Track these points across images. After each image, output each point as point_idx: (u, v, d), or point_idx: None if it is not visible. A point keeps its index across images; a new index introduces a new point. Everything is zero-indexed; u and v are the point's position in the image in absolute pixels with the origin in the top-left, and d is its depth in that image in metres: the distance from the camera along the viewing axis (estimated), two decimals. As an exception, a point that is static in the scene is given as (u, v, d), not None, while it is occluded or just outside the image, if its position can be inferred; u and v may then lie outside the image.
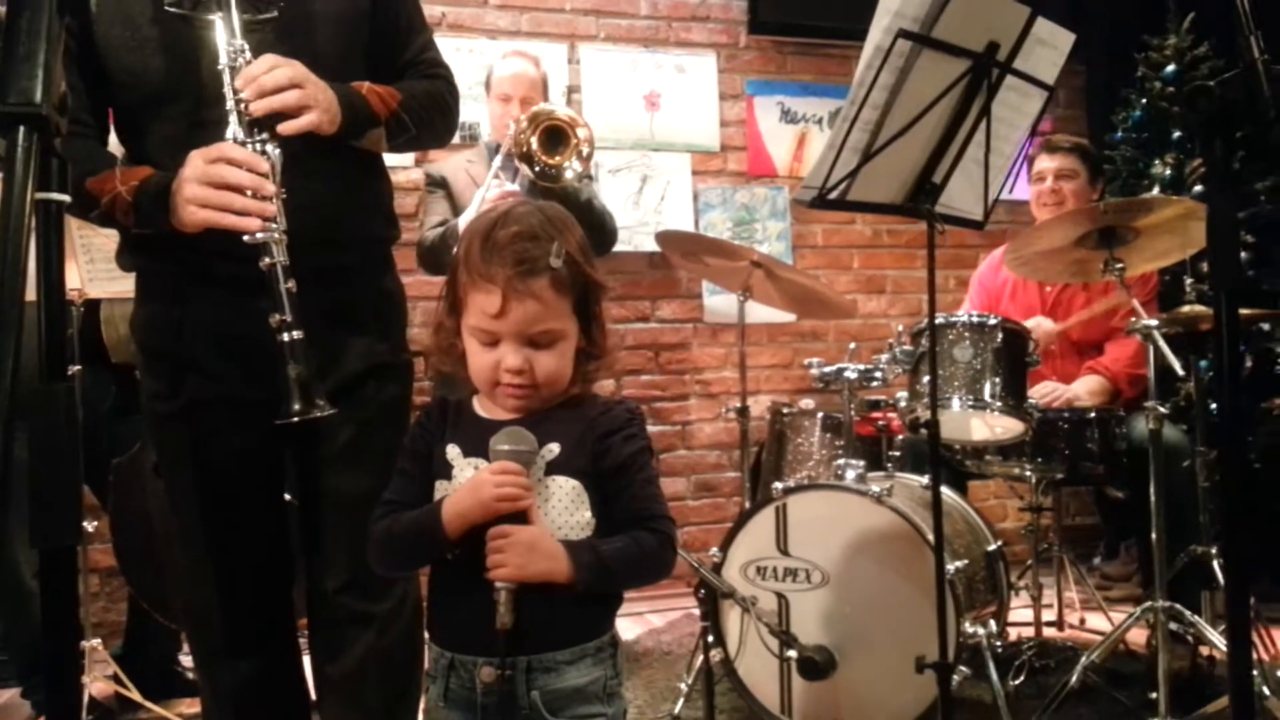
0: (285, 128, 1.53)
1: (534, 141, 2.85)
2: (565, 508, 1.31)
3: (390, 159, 1.84)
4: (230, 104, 1.52)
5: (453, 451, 1.34)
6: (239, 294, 1.60)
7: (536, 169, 2.86)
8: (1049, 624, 3.30)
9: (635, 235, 4.02)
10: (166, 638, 3.01)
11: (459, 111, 1.90)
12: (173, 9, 1.57)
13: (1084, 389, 3.17)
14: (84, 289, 2.60)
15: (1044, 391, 3.11)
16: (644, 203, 4.13)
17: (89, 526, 2.71)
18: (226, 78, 1.52)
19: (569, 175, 2.89)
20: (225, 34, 1.53)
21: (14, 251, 0.71)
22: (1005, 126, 1.94)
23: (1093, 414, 2.96)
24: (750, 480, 3.37)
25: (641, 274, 4.09)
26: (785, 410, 3.25)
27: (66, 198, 0.76)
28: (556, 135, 2.88)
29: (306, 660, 1.83)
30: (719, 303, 4.17)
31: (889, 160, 1.81)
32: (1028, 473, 3.01)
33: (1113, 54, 4.36)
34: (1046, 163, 3.32)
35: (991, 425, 2.84)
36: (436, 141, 1.92)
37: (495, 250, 1.28)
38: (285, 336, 1.48)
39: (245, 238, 1.49)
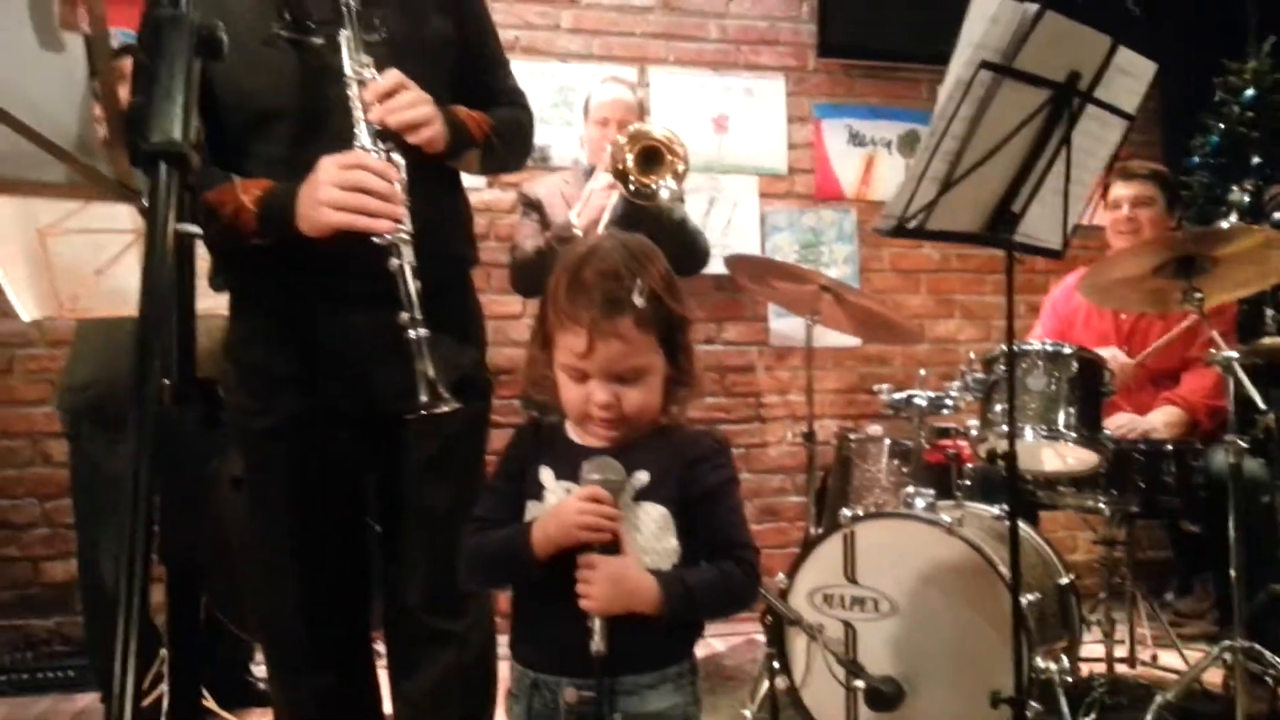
0: (415, 138, 1.60)
1: (630, 159, 2.89)
2: (653, 534, 1.33)
3: (466, 180, 1.90)
4: (358, 115, 1.58)
5: (545, 474, 1.38)
6: (336, 309, 1.67)
7: (631, 187, 2.90)
8: (1121, 660, 3.24)
9: (702, 257, 4.04)
10: (238, 647, 3.07)
11: (533, 140, 1.97)
12: (284, 32, 1.64)
13: (1161, 420, 3.11)
14: (173, 306, 2.69)
15: (1119, 423, 3.06)
16: (711, 224, 4.15)
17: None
18: (354, 91, 1.59)
19: (663, 194, 2.92)
20: (348, 50, 1.60)
21: (160, 280, 0.75)
22: (1085, 155, 1.93)
23: (1169, 446, 2.91)
24: (816, 505, 3.35)
25: (707, 296, 4.11)
26: (852, 436, 3.24)
27: (199, 230, 0.80)
28: (653, 155, 2.92)
29: (382, 674, 1.87)
30: (785, 325, 4.17)
31: (968, 189, 1.81)
32: (1102, 505, 2.96)
33: (1190, 78, 4.28)
34: (1122, 190, 3.28)
35: (1065, 456, 2.81)
36: (516, 165, 1.99)
37: (581, 290, 1.31)
38: (413, 334, 1.52)
39: (375, 239, 1.55)
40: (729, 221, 4.17)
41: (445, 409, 1.52)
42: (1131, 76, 1.90)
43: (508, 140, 1.83)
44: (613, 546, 1.29)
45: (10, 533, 3.59)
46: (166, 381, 2.64)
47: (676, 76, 4.15)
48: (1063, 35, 1.74)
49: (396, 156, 1.59)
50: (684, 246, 3.17)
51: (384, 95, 1.59)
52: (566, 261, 1.37)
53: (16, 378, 3.61)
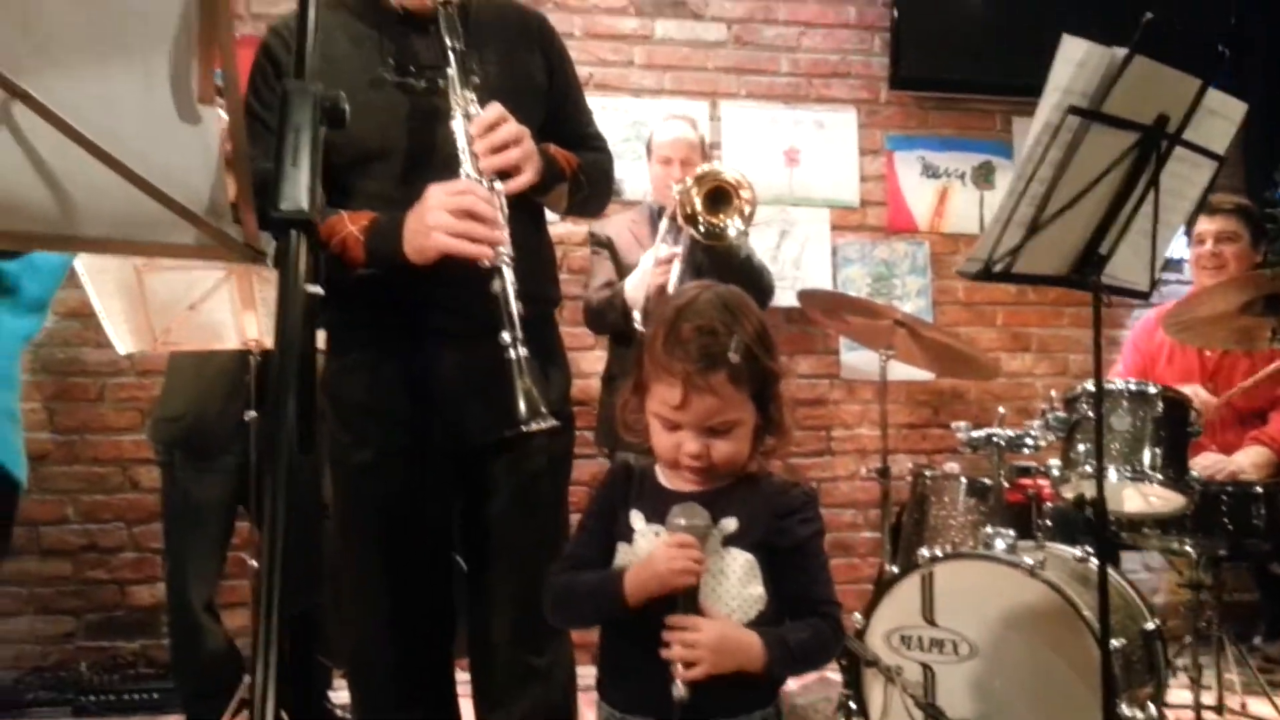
0: (511, 186, 1.66)
1: (698, 202, 2.92)
2: (739, 580, 1.36)
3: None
4: (463, 147, 1.65)
5: (635, 517, 1.41)
6: (429, 344, 1.73)
7: (702, 229, 2.93)
8: (1209, 708, 3.13)
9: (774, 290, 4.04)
10: (319, 673, 3.13)
11: (611, 192, 2.05)
12: (390, 76, 1.72)
13: (1248, 461, 3.03)
14: (261, 339, 2.77)
15: (1206, 463, 2.99)
16: (782, 257, 4.15)
17: (254, 563, 2.86)
18: (459, 124, 1.66)
19: (731, 233, 2.95)
20: (453, 88, 1.67)
21: (292, 338, 0.80)
22: (1174, 197, 1.90)
23: (1259, 488, 2.83)
24: (891, 542, 3.32)
25: (779, 328, 4.10)
26: (928, 473, 3.21)
27: (321, 290, 0.85)
28: (720, 195, 2.95)
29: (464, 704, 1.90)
30: (857, 359, 4.15)
31: (1055, 232, 1.80)
32: (1188, 548, 2.89)
33: (1273, 109, 4.20)
34: (1206, 225, 3.21)
35: (1150, 497, 2.75)
36: (600, 207, 2.06)
37: (678, 343, 1.34)
38: (513, 353, 1.57)
39: (480, 264, 1.60)
40: (801, 254, 4.17)
41: (545, 425, 1.55)
42: (1221, 117, 1.87)
43: (593, 181, 1.90)
44: (694, 594, 1.31)
45: (98, 556, 3.70)
46: (253, 414, 2.71)
47: (748, 110, 4.18)
48: (1151, 78, 1.73)
49: (499, 185, 1.65)
50: (750, 283, 3.17)
51: (487, 128, 1.65)
52: (663, 314, 1.41)
53: (107, 405, 3.74)
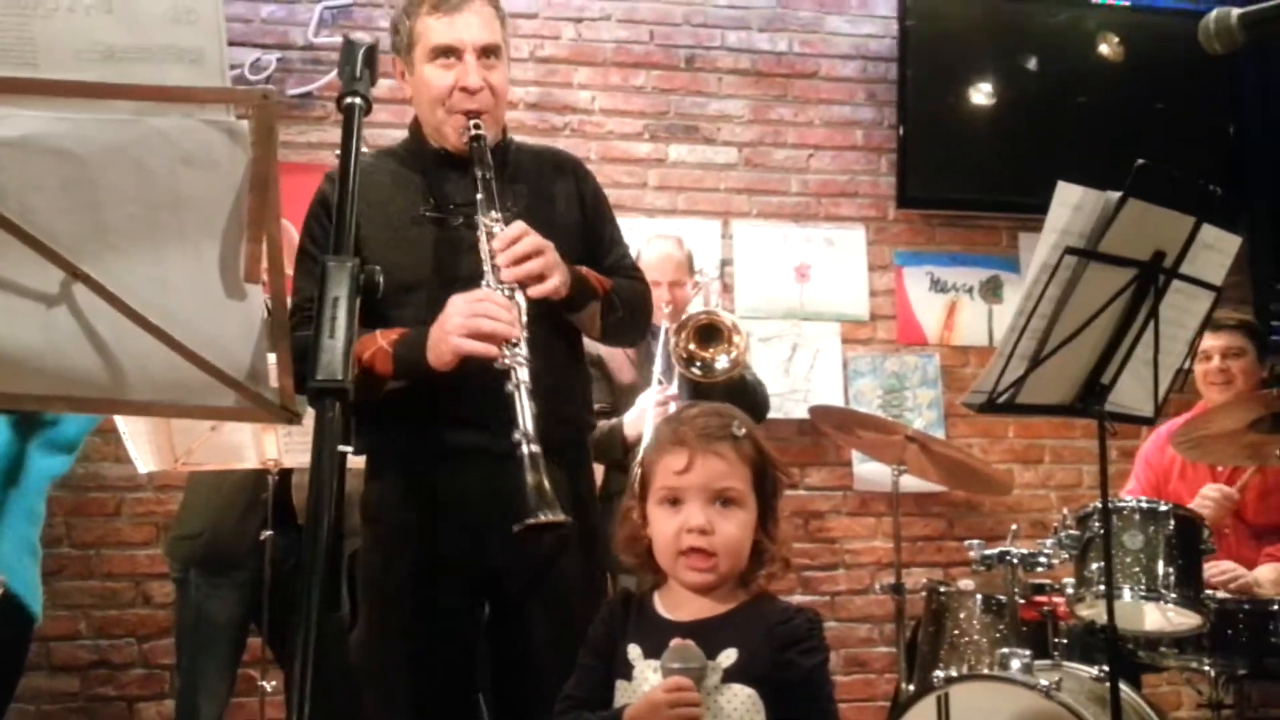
0: (534, 292, 1.73)
1: (691, 346, 3.00)
2: (740, 717, 1.34)
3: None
4: (486, 259, 1.74)
5: (634, 652, 1.40)
6: (467, 463, 1.79)
7: (698, 367, 2.99)
8: (1235, 830, 3.06)
9: (785, 402, 4.09)
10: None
11: (651, 312, 2.10)
12: (428, 213, 1.85)
13: (1268, 578, 3.01)
14: (280, 459, 2.81)
15: (1222, 569, 2.95)
16: (794, 370, 4.21)
17: (268, 686, 2.85)
18: (483, 239, 1.75)
19: (720, 365, 3.01)
20: (481, 209, 1.78)
21: (325, 495, 0.84)
22: (1174, 327, 1.96)
23: (1275, 605, 2.81)
24: (906, 659, 3.29)
25: (791, 441, 4.13)
26: (943, 589, 3.19)
27: (351, 449, 0.89)
28: (710, 331, 3.03)
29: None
30: (869, 470, 4.16)
31: (1058, 364, 1.85)
32: (1207, 667, 2.86)
33: (1276, 220, 4.28)
34: (1212, 341, 3.22)
35: (1167, 615, 2.73)
36: (637, 333, 2.10)
37: (685, 421, 1.42)
38: (525, 449, 1.61)
39: (496, 364, 1.67)
40: (812, 367, 4.23)
41: (554, 518, 1.57)
42: (1217, 250, 1.94)
43: (628, 303, 1.96)
44: None
45: (108, 672, 3.68)
46: (270, 532, 2.74)
47: (759, 229, 4.29)
48: (1146, 218, 1.80)
49: (519, 296, 1.72)
50: (746, 402, 3.22)
51: (510, 242, 1.73)
52: (664, 421, 1.50)
53: (124, 520, 3.77)
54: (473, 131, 1.83)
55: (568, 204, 1.96)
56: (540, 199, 1.94)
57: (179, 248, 0.88)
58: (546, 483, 1.59)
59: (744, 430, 1.40)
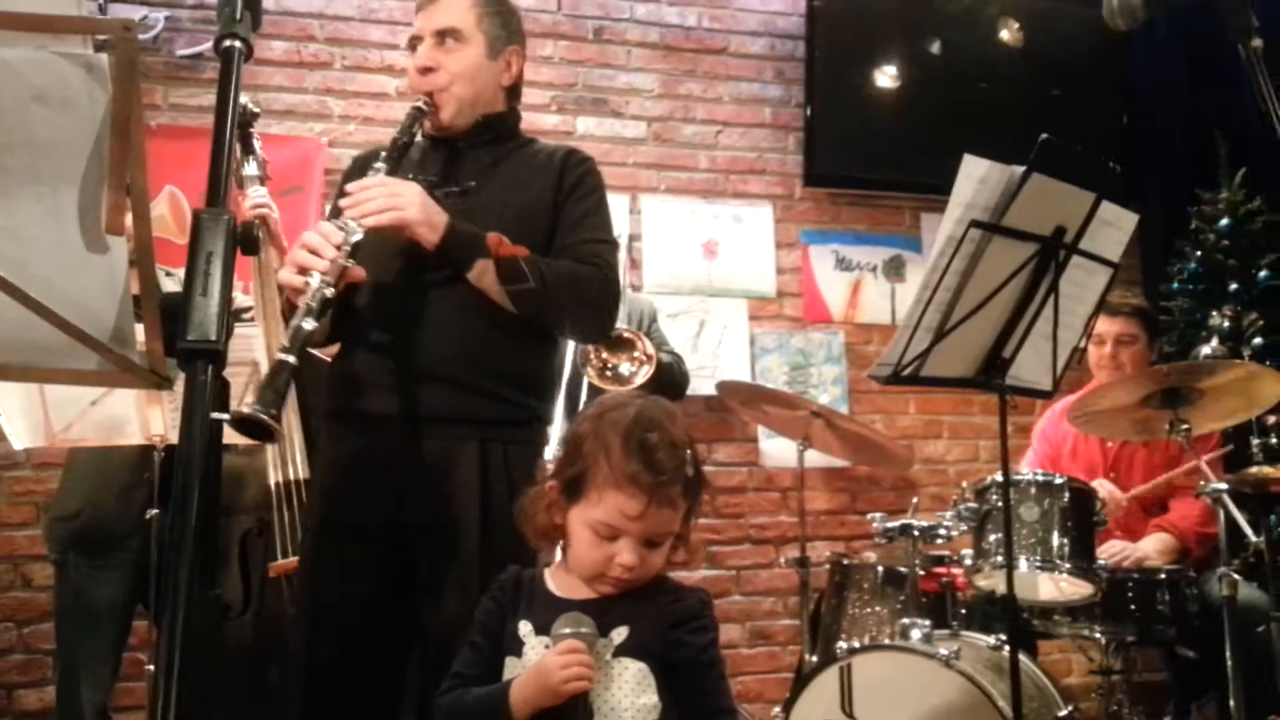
0: (367, 221, 1.77)
1: (604, 352, 3.06)
2: (630, 690, 1.33)
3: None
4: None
5: (524, 628, 1.38)
6: (374, 429, 1.87)
7: (607, 373, 3.05)
8: (1122, 791, 3.17)
9: (694, 379, 4.04)
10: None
11: (608, 304, 2.02)
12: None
13: (1153, 548, 3.12)
14: (166, 435, 2.69)
15: (1113, 551, 3.06)
16: (702, 346, 4.21)
17: (150, 667, 2.74)
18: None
19: (623, 370, 3.05)
20: (381, 161, 1.89)
21: (200, 462, 0.78)
22: (1073, 302, 1.99)
23: (1163, 575, 2.91)
24: (810, 631, 3.33)
25: (698, 417, 4.13)
26: (846, 562, 3.23)
27: (227, 416, 0.83)
28: (618, 342, 3.08)
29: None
30: (775, 447, 4.19)
31: (961, 338, 1.87)
32: (1098, 635, 2.95)
33: (1167, 205, 4.43)
34: (1106, 326, 3.25)
35: (1061, 586, 2.81)
36: (576, 318, 2.01)
37: (645, 454, 1.33)
38: (281, 356, 1.64)
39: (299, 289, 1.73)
40: (719, 343, 4.23)
41: (255, 415, 1.53)
42: (1115, 228, 1.98)
43: (548, 278, 1.88)
44: (586, 702, 1.29)
45: (-15, 658, 3.51)
46: (155, 511, 2.64)
47: (667, 204, 4.26)
48: (1048, 193, 1.82)
49: (353, 223, 1.77)
50: (666, 380, 3.24)
51: (360, 187, 1.82)
52: (614, 419, 1.38)
53: (1, 500, 3.57)
54: (416, 104, 1.95)
55: (540, 189, 1.99)
56: (506, 182, 1.98)
57: (33, 195, 0.80)
58: (273, 390, 1.59)
59: (695, 463, 1.38)
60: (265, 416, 1.49)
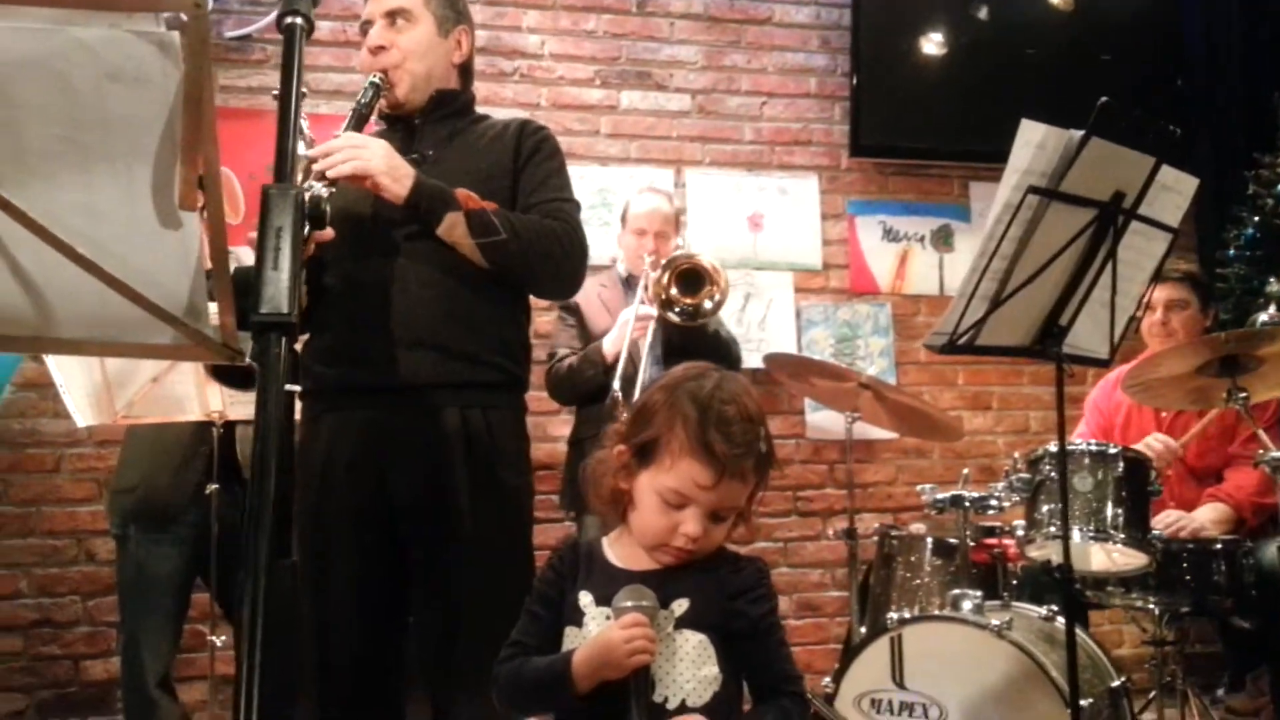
0: (332, 172, 1.77)
1: (674, 290, 2.96)
2: (692, 662, 1.34)
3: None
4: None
5: (585, 599, 1.38)
6: (353, 401, 1.86)
7: (677, 313, 2.96)
8: (1177, 763, 3.15)
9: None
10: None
11: (576, 258, 2.03)
12: None
13: (1209, 517, 3.07)
14: (224, 411, 2.74)
15: (1168, 520, 3.02)
16: (747, 320, 4.19)
17: (217, 640, 2.80)
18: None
19: (708, 306, 2.98)
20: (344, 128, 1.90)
21: (276, 434, 0.80)
22: (1131, 268, 1.96)
23: (1218, 545, 2.87)
24: (859, 603, 3.33)
25: (744, 390, 4.12)
26: (895, 533, 3.23)
27: (299, 387, 0.85)
28: (691, 276, 3.00)
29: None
30: (821, 419, 4.18)
31: (1017, 305, 1.85)
32: (1151, 605, 2.92)
33: (1222, 170, 4.33)
34: (1157, 293, 3.20)
35: (1114, 556, 2.78)
36: (546, 270, 2.02)
37: (720, 425, 1.32)
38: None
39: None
40: (765, 316, 4.22)
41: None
42: (1174, 192, 1.94)
43: (516, 230, 1.90)
44: (648, 676, 1.30)
45: (52, 630, 3.61)
46: (215, 486, 2.70)
47: (712, 177, 4.24)
48: (1107, 158, 1.79)
49: (320, 187, 1.73)
50: (720, 357, 3.21)
51: (323, 149, 1.83)
52: (692, 389, 1.37)
53: (64, 476, 3.67)
54: (372, 79, 1.98)
55: (499, 155, 2.01)
56: (464, 152, 2.01)
57: (108, 172, 0.82)
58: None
59: (767, 441, 1.37)
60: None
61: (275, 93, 2.19)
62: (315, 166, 1.77)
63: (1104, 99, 1.66)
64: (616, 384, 2.88)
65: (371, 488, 1.86)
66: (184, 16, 0.73)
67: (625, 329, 2.98)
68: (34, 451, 3.65)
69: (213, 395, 2.69)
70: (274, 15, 1.00)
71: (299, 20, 0.96)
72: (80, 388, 2.65)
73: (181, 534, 2.82)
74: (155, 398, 2.68)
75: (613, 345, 3.02)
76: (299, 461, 1.88)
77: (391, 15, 2.01)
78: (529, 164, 2.00)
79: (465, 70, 2.15)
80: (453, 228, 1.86)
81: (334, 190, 1.73)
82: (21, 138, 0.79)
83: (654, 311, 2.99)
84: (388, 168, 1.82)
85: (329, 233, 1.73)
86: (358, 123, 1.91)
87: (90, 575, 3.63)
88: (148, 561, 2.84)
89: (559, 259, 1.98)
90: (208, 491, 2.68)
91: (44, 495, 3.64)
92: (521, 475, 1.97)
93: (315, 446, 1.87)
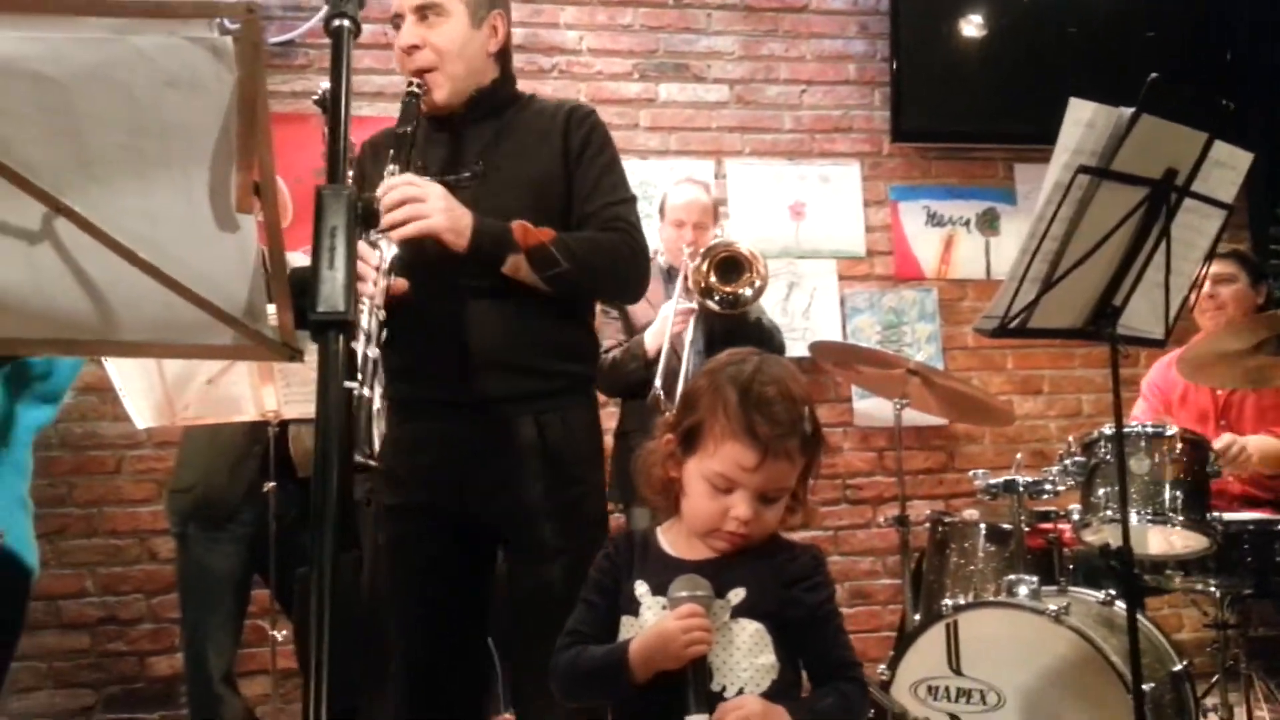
0: (394, 233, 1.74)
1: (713, 277, 2.96)
2: (749, 651, 1.34)
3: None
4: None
5: (640, 589, 1.39)
6: (430, 414, 1.90)
7: (717, 301, 2.96)
8: (1242, 748, 3.10)
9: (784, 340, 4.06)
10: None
11: (639, 265, 2.01)
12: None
13: (1257, 446, 2.96)
14: (280, 410, 2.78)
15: (1224, 442, 2.91)
16: (791, 309, 4.18)
17: (278, 635, 2.85)
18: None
19: (747, 294, 2.98)
20: (391, 161, 1.86)
21: (336, 431, 0.81)
22: (1185, 247, 1.93)
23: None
24: (912, 590, 3.31)
25: (790, 379, 4.10)
26: (947, 519, 3.20)
27: (356, 385, 0.86)
28: (731, 265, 2.99)
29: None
30: (870, 406, 4.15)
31: (1069, 287, 1.82)
32: (1213, 588, 2.88)
33: (1274, 143, 4.23)
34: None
35: (1172, 539, 2.74)
36: (611, 285, 2.03)
37: (761, 406, 1.33)
38: (356, 391, 1.61)
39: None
40: (809, 305, 4.20)
41: (362, 460, 1.56)
42: (1228, 168, 1.90)
43: (577, 255, 1.87)
44: (705, 665, 1.30)
45: (117, 628, 3.69)
46: (272, 484, 2.74)
47: (752, 167, 4.23)
48: (1158, 135, 1.76)
49: (385, 244, 1.75)
50: (762, 346, 3.20)
51: (386, 188, 1.77)
52: (732, 373, 1.38)
53: (125, 478, 3.75)
54: (408, 89, 1.91)
55: (549, 158, 1.95)
56: (514, 157, 1.95)
57: (166, 177, 0.84)
58: (363, 429, 1.56)
59: (812, 420, 1.37)
60: (370, 461, 1.54)
61: (315, 97, 2.18)
62: (380, 227, 1.74)
63: (1153, 75, 1.63)
64: (658, 381, 2.89)
65: (452, 493, 1.89)
66: (233, 23, 0.74)
67: (665, 324, 2.98)
68: (95, 454, 3.73)
69: (268, 395, 2.73)
70: (316, 19, 1.01)
71: (346, 23, 0.97)
72: (139, 390, 2.70)
73: (239, 532, 2.87)
74: (211, 399, 2.72)
75: (654, 339, 3.03)
76: (386, 458, 1.91)
77: (421, 10, 1.93)
78: (580, 164, 1.96)
79: (503, 56, 2.07)
80: (516, 269, 1.85)
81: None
82: (85, 146, 0.82)
83: (694, 305, 2.99)
84: (449, 222, 1.78)
85: (402, 283, 1.76)
86: (406, 148, 1.86)
87: (153, 574, 3.71)
88: (207, 560, 2.89)
89: (622, 273, 1.98)
90: (264, 489, 2.72)
91: (106, 496, 3.73)
92: (597, 473, 1.99)
93: (400, 449, 1.91)
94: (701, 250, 3.02)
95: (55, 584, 3.60)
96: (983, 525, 3.09)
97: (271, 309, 0.95)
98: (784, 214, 4.22)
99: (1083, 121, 1.71)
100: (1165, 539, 2.78)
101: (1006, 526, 2.92)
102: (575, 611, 1.45)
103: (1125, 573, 1.94)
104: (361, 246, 1.73)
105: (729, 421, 1.33)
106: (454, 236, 1.78)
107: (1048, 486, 2.82)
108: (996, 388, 4.28)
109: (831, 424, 4.19)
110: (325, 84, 1.11)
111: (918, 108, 4.24)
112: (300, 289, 0.87)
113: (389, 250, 1.74)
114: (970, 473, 2.99)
